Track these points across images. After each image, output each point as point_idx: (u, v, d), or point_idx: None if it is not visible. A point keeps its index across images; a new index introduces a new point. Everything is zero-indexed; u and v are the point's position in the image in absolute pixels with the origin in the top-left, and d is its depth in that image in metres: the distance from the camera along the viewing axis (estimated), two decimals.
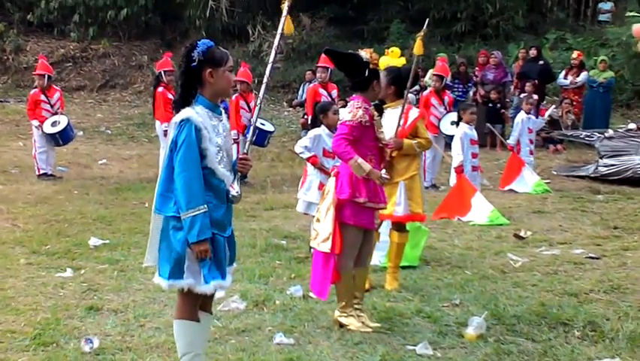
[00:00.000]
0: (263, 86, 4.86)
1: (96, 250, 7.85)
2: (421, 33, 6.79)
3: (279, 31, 4.90)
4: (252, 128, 4.99)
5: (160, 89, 12.50)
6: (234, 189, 4.33)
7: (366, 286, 6.34)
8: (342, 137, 5.44)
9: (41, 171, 12.35)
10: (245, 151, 4.63)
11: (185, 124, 4.15)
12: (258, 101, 4.88)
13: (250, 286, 6.54)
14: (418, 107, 7.41)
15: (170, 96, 12.41)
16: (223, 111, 4.45)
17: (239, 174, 4.42)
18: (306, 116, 13.30)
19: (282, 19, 4.87)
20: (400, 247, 6.75)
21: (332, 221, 5.44)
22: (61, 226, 8.95)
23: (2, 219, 9.23)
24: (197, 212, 4.08)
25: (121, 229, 8.85)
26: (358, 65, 5.53)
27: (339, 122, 5.65)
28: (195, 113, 4.19)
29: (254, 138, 11.27)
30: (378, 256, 7.13)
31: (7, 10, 24.62)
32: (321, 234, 5.51)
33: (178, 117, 4.21)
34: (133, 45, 24.63)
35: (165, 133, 12.30)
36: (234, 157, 4.46)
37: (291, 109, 19.81)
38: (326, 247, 5.45)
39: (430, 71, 16.44)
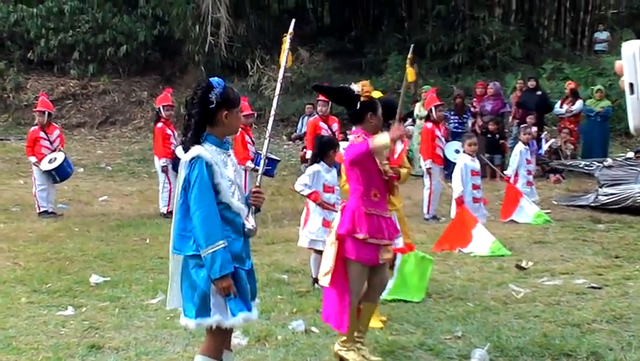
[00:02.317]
0: (271, 119, 4.91)
1: (97, 287, 7.82)
2: (408, 59, 6.83)
3: (283, 63, 4.95)
4: (262, 160, 5.02)
5: (159, 124, 12.54)
6: (250, 223, 4.35)
7: (383, 320, 6.40)
8: (352, 145, 5.40)
9: (42, 209, 12.34)
10: (257, 184, 4.65)
11: (197, 161, 4.18)
12: (267, 135, 4.93)
13: None
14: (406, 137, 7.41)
15: (169, 132, 12.49)
16: (229, 146, 4.50)
17: (253, 207, 4.44)
18: (305, 150, 13.34)
19: (286, 52, 4.92)
20: None
21: (333, 256, 5.43)
22: (62, 263, 8.93)
23: (3, 258, 9.21)
24: (217, 247, 4.09)
25: (122, 265, 8.83)
26: (349, 98, 5.54)
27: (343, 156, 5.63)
28: (204, 150, 4.22)
29: (263, 169, 11.44)
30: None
31: (8, 49, 24.85)
32: (323, 268, 5.50)
33: (188, 155, 4.23)
34: (132, 81, 24.82)
35: (163, 169, 12.35)
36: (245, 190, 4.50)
37: (290, 142, 19.87)
38: (325, 282, 5.44)
39: (419, 104, 16.57)
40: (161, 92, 13.66)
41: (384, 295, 7.08)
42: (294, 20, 5.44)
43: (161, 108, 12.64)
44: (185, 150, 4.30)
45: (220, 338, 4.32)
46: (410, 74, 6.84)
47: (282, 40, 5.08)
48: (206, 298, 4.18)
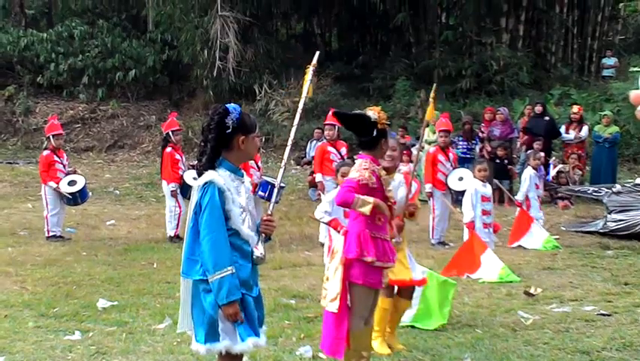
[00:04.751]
0: (288, 148, 4.92)
1: (104, 311, 7.81)
2: (431, 98, 6.84)
3: (304, 94, 4.98)
4: (276, 189, 5.03)
5: (168, 149, 12.56)
6: (258, 250, 4.35)
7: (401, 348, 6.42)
8: (346, 188, 5.36)
9: (51, 233, 12.34)
10: (269, 212, 4.64)
11: (209, 187, 4.21)
12: (283, 163, 4.95)
13: None
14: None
15: (178, 157, 12.50)
16: (244, 173, 4.51)
17: (263, 235, 4.43)
18: (314, 174, 13.33)
19: (307, 83, 4.96)
20: (386, 312, 6.69)
21: (340, 281, 5.41)
22: (70, 287, 8.92)
23: (11, 282, 9.21)
24: (225, 273, 4.11)
25: (129, 290, 8.81)
26: (367, 125, 5.54)
27: (345, 179, 5.62)
28: (218, 175, 4.24)
29: (265, 193, 11.44)
30: (407, 316, 7.12)
31: (18, 73, 25.04)
32: (330, 293, 5.47)
33: (201, 180, 4.27)
34: (141, 105, 24.95)
35: (172, 193, 12.35)
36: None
37: (298, 167, 19.89)
38: (334, 307, 5.40)
39: (428, 129, 16.56)
40: (168, 117, 13.68)
41: (407, 321, 7.09)
42: (317, 53, 5.48)
43: (171, 133, 12.66)
44: (199, 174, 4.32)
45: None
46: (429, 113, 6.86)
47: (305, 71, 5.11)
48: (214, 324, 4.20)
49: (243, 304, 4.21)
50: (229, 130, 4.29)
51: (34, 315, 7.63)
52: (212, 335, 4.21)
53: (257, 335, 4.26)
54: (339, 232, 7.33)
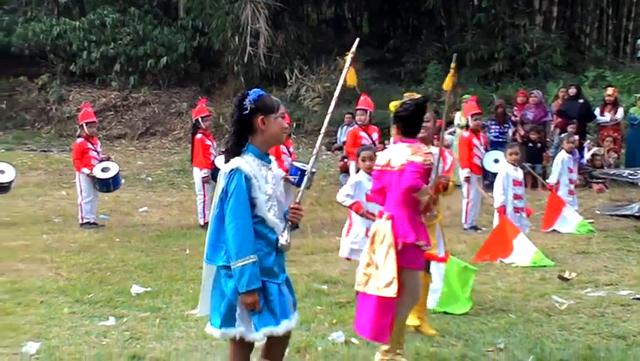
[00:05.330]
0: (321, 135, 4.90)
1: (138, 297, 7.86)
2: (452, 68, 6.79)
3: (341, 81, 4.97)
4: (306, 175, 5.02)
5: (199, 135, 12.59)
6: (284, 238, 4.34)
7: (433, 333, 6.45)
8: (415, 174, 5.35)
9: (85, 220, 12.46)
10: (298, 200, 4.62)
11: (235, 173, 4.20)
12: (315, 150, 4.93)
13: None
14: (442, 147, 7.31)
15: (209, 143, 12.53)
16: (273, 159, 4.50)
17: (289, 223, 4.43)
18: (345, 160, 13.29)
19: (345, 70, 4.95)
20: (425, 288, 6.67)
21: (394, 265, 5.36)
22: (104, 274, 9.00)
23: (46, 269, 9.32)
24: (247, 262, 4.11)
25: (162, 276, 8.87)
26: (417, 110, 5.59)
27: (404, 163, 5.47)
28: (245, 162, 4.24)
29: (296, 180, 11.45)
30: (433, 299, 7.10)
31: (51, 62, 25.20)
32: (382, 279, 5.37)
33: (228, 167, 4.26)
34: (172, 92, 25.03)
35: (203, 180, 12.39)
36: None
37: (329, 152, 19.85)
38: (390, 292, 5.31)
39: (459, 113, 16.42)
40: (197, 103, 13.73)
41: (433, 306, 7.07)
42: (357, 40, 5.44)
43: (200, 120, 12.69)
44: (226, 160, 4.31)
45: (244, 350, 4.36)
46: (447, 82, 6.80)
47: (344, 59, 5.09)
48: (232, 309, 4.22)
49: (264, 293, 4.22)
50: (247, 112, 4.28)
51: (69, 301, 7.70)
52: (228, 320, 4.23)
53: (276, 323, 4.25)
54: (364, 215, 7.33)
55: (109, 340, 6.42)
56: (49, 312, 7.28)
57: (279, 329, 4.27)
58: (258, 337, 4.24)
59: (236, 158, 4.27)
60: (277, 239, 4.32)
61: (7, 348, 6.12)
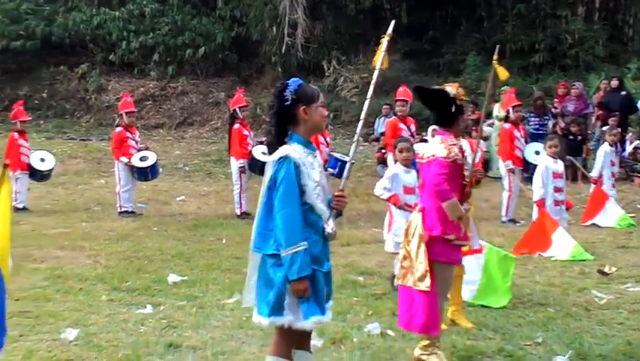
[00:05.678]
0: (360, 123, 4.86)
1: (175, 286, 7.90)
2: (494, 60, 6.72)
3: (378, 65, 4.93)
4: (348, 164, 5.00)
5: (236, 125, 12.62)
6: (329, 226, 4.33)
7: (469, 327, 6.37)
8: (443, 176, 5.32)
9: (123, 209, 12.56)
10: (341, 188, 4.60)
11: (284, 161, 4.19)
12: (355, 138, 4.89)
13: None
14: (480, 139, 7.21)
15: (246, 133, 12.55)
16: (316, 147, 4.49)
17: (334, 211, 4.41)
18: (383, 151, 13.21)
19: (382, 54, 4.89)
20: (459, 280, 6.62)
21: (425, 258, 5.35)
22: (141, 262, 9.07)
23: (85, 256, 9.41)
24: (298, 249, 4.09)
25: (199, 265, 8.92)
26: (446, 101, 5.48)
27: (430, 158, 5.46)
28: (293, 150, 4.22)
29: (335, 170, 11.43)
30: (469, 291, 7.04)
31: (91, 51, 25.40)
32: (416, 272, 5.38)
33: (276, 155, 4.25)
34: (210, 82, 25.11)
35: (240, 170, 12.40)
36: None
37: (366, 143, 19.76)
38: (424, 286, 5.31)
39: (497, 105, 16.24)
40: (235, 93, 13.75)
41: (470, 298, 7.01)
42: (393, 22, 5.38)
43: (238, 110, 12.71)
44: (272, 150, 4.31)
45: (290, 338, 4.32)
46: (501, 72, 6.72)
47: (379, 42, 5.04)
48: (281, 298, 4.19)
49: (313, 280, 4.19)
50: (288, 102, 4.26)
51: (107, 289, 7.77)
52: (276, 309, 4.20)
53: (322, 312, 4.25)
54: (402, 208, 7.28)
55: (146, 328, 6.45)
56: (88, 299, 7.35)
57: (326, 318, 4.29)
58: (308, 325, 4.22)
59: (284, 146, 4.26)
60: (324, 227, 4.31)
61: (46, 334, 6.18)
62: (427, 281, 5.29)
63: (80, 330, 6.28)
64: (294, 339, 4.34)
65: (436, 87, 5.78)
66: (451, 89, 5.49)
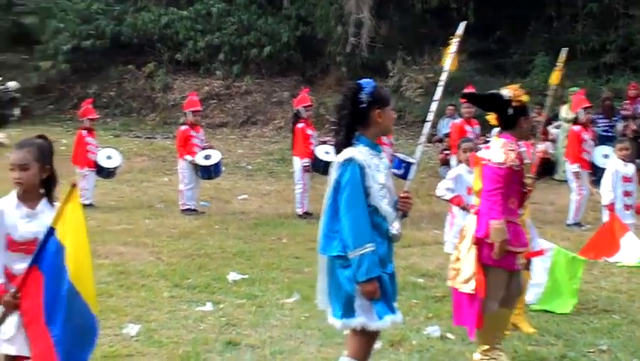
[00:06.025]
0: (428, 124, 4.83)
1: (235, 284, 7.95)
2: (560, 61, 6.58)
3: (447, 67, 4.88)
4: (414, 166, 4.96)
5: (300, 125, 12.62)
6: (395, 228, 4.30)
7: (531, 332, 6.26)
8: (498, 190, 5.22)
9: (185, 206, 12.68)
10: (406, 189, 4.56)
11: (349, 163, 4.20)
12: (421, 139, 4.85)
13: None
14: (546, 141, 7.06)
15: (310, 132, 12.54)
16: (382, 149, 4.46)
17: (399, 212, 4.37)
18: (446, 153, 13.08)
19: (451, 55, 4.85)
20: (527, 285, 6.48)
21: (474, 261, 5.27)
22: (203, 260, 9.14)
23: (147, 253, 9.52)
24: (365, 250, 4.09)
25: (259, 264, 8.95)
26: (500, 104, 5.37)
27: (487, 163, 5.38)
28: (358, 152, 4.21)
29: (401, 171, 11.36)
30: (534, 294, 6.92)
31: (158, 51, 25.76)
32: (463, 274, 5.33)
33: (341, 157, 4.25)
34: (274, 82, 25.21)
35: (304, 169, 12.40)
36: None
37: (429, 144, 19.59)
38: (468, 288, 5.27)
39: (565, 106, 15.89)
40: (299, 93, 13.77)
41: (534, 301, 6.88)
42: (463, 23, 5.32)
43: (301, 109, 12.73)
44: (338, 151, 4.30)
45: (365, 340, 4.32)
46: (553, 76, 6.58)
47: (447, 42, 4.99)
48: (351, 300, 4.19)
49: (380, 282, 4.18)
50: (364, 105, 4.26)
51: (169, 285, 7.85)
52: (348, 311, 4.20)
53: (393, 312, 4.25)
54: (464, 208, 7.17)
55: (206, 325, 6.50)
56: (150, 295, 7.44)
57: (399, 318, 4.31)
58: (384, 325, 4.21)
59: (350, 148, 4.25)
60: (388, 229, 4.27)
61: (109, 329, 6.26)
62: (472, 284, 5.23)
63: (141, 326, 6.36)
64: (372, 342, 4.36)
65: (489, 92, 5.65)
66: (507, 91, 5.36)
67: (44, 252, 3.91)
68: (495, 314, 5.35)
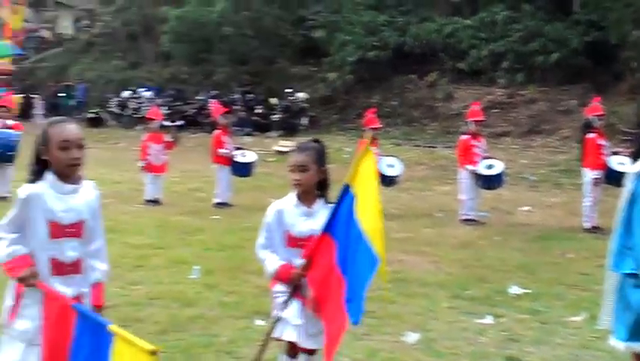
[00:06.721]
0: None
1: (516, 298, 7.69)
2: None
3: None
4: None
5: (590, 135, 11.98)
6: None
7: None
8: None
9: (465, 216, 12.54)
10: None
11: None
12: None
13: None
14: None
15: (601, 143, 11.85)
16: None
17: None
18: None
19: None
20: None
21: None
22: (482, 271, 8.95)
23: (427, 262, 9.50)
24: None
25: (542, 278, 8.60)
26: None
27: None
28: None
29: None
30: None
31: (441, 60, 25.92)
32: None
33: (636, 167, 3.95)
34: (561, 90, 24.30)
35: (594, 182, 11.74)
36: None
37: None
38: None
39: None
40: (590, 102, 13.07)
41: None
42: None
43: (593, 118, 12.07)
44: (634, 161, 4.00)
45: None
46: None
47: None
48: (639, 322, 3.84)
49: None
50: None
51: (448, 295, 7.76)
52: (636, 334, 3.88)
53: None
54: None
55: (486, 338, 6.34)
56: (429, 304, 7.39)
57: None
58: None
59: None
60: None
61: (388, 335, 6.32)
62: None
63: (420, 334, 6.33)
64: None
65: None
66: None
67: (336, 218, 4.11)
68: None
